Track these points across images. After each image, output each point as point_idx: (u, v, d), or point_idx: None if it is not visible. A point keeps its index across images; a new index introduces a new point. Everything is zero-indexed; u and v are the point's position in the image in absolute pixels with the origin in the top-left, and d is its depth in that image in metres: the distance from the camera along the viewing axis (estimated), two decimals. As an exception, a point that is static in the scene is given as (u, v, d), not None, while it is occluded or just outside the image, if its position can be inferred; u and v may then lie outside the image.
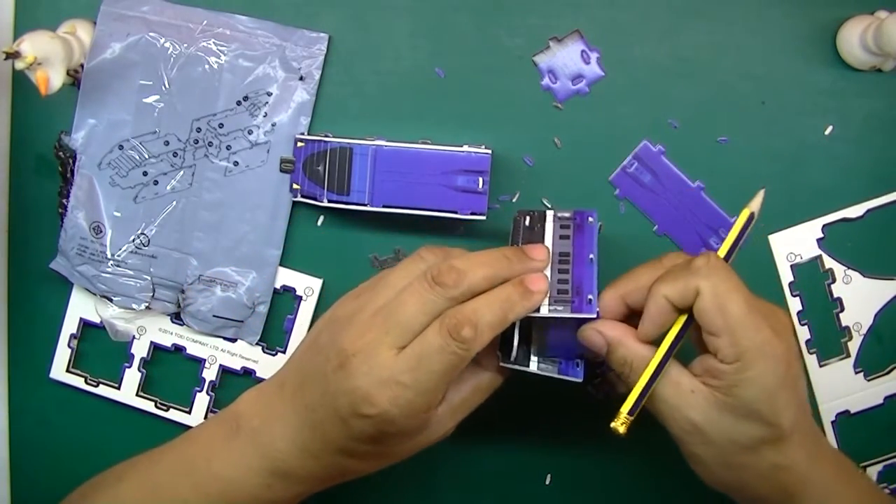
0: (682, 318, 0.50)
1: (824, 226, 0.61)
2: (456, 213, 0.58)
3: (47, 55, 0.53)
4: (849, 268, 0.62)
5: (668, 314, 0.49)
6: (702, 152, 0.61)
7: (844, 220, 0.61)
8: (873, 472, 0.63)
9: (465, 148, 0.58)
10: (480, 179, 0.58)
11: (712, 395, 0.48)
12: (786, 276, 0.62)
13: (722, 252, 0.51)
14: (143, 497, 0.53)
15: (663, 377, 0.49)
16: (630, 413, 0.49)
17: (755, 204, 0.51)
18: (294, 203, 0.61)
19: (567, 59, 0.61)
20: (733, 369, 0.47)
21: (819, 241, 0.61)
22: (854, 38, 0.58)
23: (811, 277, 0.62)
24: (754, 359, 0.47)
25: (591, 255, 0.53)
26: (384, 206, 0.59)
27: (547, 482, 0.64)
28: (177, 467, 0.53)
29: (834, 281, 0.62)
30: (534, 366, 0.53)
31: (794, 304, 0.62)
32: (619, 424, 0.49)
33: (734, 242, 0.51)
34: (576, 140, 0.61)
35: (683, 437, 0.49)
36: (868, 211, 0.61)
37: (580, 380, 0.53)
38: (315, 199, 0.59)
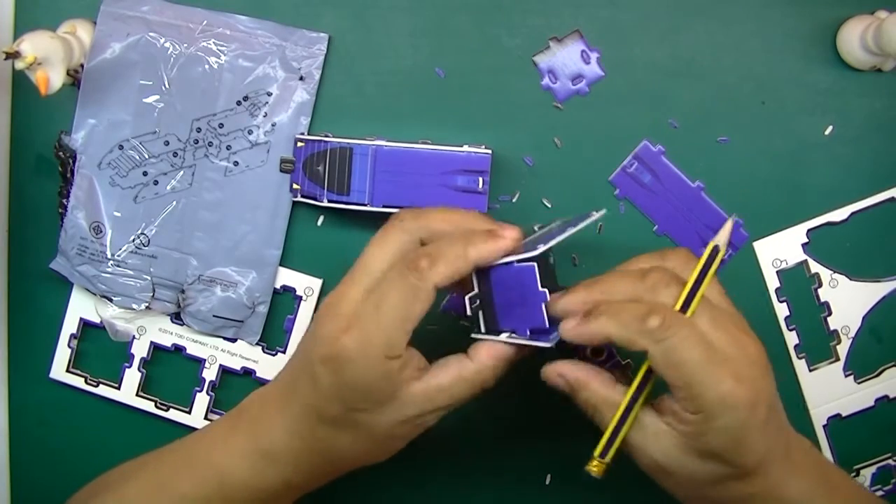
0: (647, 364, 0.47)
1: (809, 230, 0.61)
2: (456, 213, 0.58)
3: (47, 55, 0.53)
4: (835, 271, 0.61)
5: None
6: (702, 152, 0.61)
7: (829, 223, 0.61)
8: (867, 474, 0.63)
9: (465, 148, 0.58)
10: (480, 179, 0.58)
11: (677, 437, 0.47)
12: (772, 282, 0.62)
13: (680, 301, 0.46)
14: (149, 496, 0.53)
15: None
16: (602, 456, 0.48)
17: (722, 237, 0.48)
18: (294, 203, 0.61)
19: (567, 59, 0.60)
20: (697, 419, 0.46)
21: (804, 245, 0.61)
22: (854, 38, 0.58)
23: (797, 282, 0.62)
24: (716, 412, 0.45)
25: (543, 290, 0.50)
26: (384, 206, 0.59)
27: (547, 482, 0.64)
28: (180, 463, 0.53)
29: (820, 285, 0.62)
30: (504, 335, 0.51)
31: (782, 310, 0.62)
32: (592, 467, 0.48)
33: (694, 285, 0.47)
34: (576, 140, 0.61)
35: (649, 473, 0.49)
36: (852, 214, 0.61)
37: (550, 345, 0.50)
38: (315, 199, 0.59)
